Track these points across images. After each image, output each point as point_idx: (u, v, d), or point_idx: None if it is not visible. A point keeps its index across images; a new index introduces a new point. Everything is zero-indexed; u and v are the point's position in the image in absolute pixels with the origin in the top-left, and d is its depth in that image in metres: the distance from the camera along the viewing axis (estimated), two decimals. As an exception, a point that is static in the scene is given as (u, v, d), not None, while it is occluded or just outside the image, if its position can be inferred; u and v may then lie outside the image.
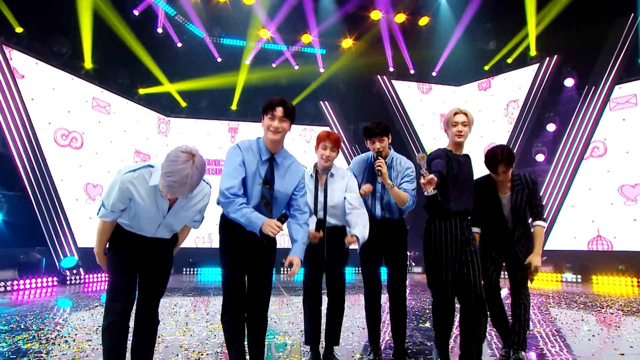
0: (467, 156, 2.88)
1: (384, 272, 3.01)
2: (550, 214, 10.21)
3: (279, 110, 2.25)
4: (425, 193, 2.40)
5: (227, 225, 2.32)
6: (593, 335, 3.88)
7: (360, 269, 3.11)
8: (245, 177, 2.26)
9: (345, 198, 2.90)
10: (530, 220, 3.03)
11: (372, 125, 2.91)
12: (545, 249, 10.21)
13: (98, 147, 9.85)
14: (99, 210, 2.12)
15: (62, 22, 8.89)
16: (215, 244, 2.54)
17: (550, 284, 9.29)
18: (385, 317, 3.93)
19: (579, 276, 9.44)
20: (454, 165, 2.73)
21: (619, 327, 4.28)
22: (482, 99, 12.18)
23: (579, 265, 9.60)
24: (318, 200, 2.91)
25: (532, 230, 3.01)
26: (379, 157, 2.82)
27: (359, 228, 2.78)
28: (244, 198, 2.22)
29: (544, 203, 10.38)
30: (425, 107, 12.81)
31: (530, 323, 4.53)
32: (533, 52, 11.08)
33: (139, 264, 2.19)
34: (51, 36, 8.83)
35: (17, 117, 8.01)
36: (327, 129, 12.63)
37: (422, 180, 2.35)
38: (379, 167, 2.75)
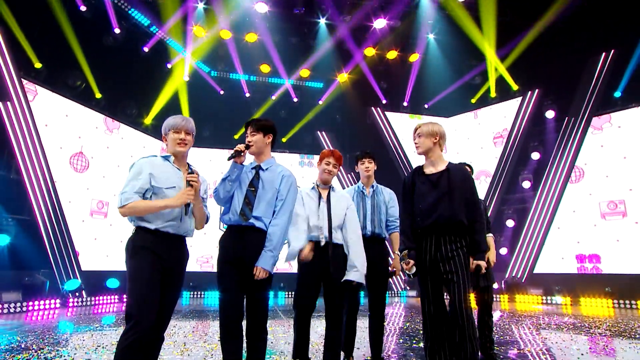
0: (449, 169, 2.64)
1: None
2: (538, 238, 10.62)
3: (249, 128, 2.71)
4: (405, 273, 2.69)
5: (224, 240, 2.48)
6: (582, 354, 3.89)
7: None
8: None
9: (346, 215, 2.97)
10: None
11: (363, 150, 3.50)
12: (535, 272, 10.55)
13: (105, 170, 10.26)
14: (119, 201, 2.13)
15: (77, 57, 9.52)
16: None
17: (541, 306, 9.49)
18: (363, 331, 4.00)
19: (568, 298, 9.74)
20: (420, 184, 2.69)
21: (607, 346, 4.33)
22: (470, 127, 12.90)
23: (568, 288, 9.91)
24: (320, 212, 2.93)
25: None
26: None
27: (352, 273, 2.82)
28: None
29: (532, 227, 10.80)
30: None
31: (521, 342, 4.67)
32: (514, 86, 11.88)
33: (160, 277, 2.14)
34: (67, 70, 9.43)
35: (30, 145, 8.44)
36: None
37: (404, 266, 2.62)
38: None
